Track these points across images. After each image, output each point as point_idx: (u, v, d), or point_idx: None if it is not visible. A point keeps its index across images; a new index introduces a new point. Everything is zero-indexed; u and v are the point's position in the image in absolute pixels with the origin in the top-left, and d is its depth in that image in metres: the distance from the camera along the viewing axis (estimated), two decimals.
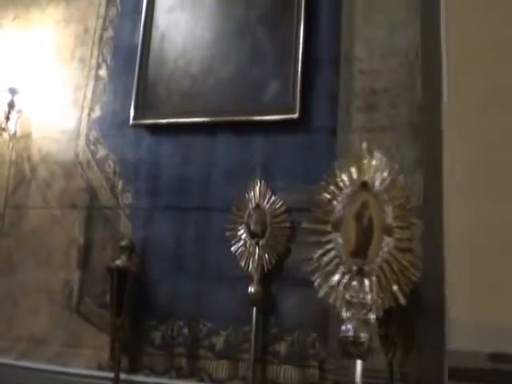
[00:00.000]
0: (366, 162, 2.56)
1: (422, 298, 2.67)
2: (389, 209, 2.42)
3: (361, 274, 2.43)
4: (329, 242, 2.56)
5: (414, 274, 2.39)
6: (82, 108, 4.15)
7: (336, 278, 2.49)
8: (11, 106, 4.17)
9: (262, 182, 3.52)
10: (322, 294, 2.53)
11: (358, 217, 2.49)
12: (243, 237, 3.47)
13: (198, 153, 3.76)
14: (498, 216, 2.39)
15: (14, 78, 4.23)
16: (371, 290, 2.39)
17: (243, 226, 3.48)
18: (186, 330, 3.56)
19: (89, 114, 4.12)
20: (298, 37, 3.56)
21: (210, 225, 3.63)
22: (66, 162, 4.11)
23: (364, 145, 2.60)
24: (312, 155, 3.48)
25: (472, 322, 2.26)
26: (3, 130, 4.24)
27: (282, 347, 3.36)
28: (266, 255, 3.41)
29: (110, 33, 4.21)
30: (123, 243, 3.67)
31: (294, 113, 3.49)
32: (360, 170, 2.57)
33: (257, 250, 3.41)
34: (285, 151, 3.55)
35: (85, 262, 3.91)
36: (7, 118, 4.17)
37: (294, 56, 3.55)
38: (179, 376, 3.52)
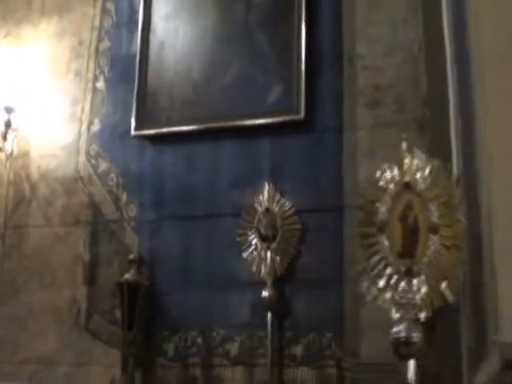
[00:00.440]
0: (406, 161, 2.57)
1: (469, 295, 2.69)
2: (433, 207, 2.44)
3: (409, 274, 2.45)
4: (375, 244, 2.57)
5: (461, 271, 2.41)
6: (81, 122, 4.20)
7: (384, 279, 2.50)
8: (8, 125, 4.20)
9: (271, 185, 3.57)
10: (370, 297, 2.54)
11: (403, 217, 2.50)
12: (254, 241, 3.52)
13: (203, 160, 3.81)
14: None
15: (9, 97, 4.26)
16: (420, 289, 2.41)
17: (253, 230, 3.53)
18: (199, 340, 3.59)
19: (88, 128, 4.17)
20: (300, 37, 3.63)
21: (218, 232, 3.67)
22: (67, 178, 4.15)
23: (404, 144, 2.62)
24: (319, 155, 3.55)
25: None
26: (0, 150, 4.27)
27: (298, 350, 3.39)
28: (278, 258, 3.45)
29: (105, 44, 4.27)
30: (131, 257, 3.70)
31: (300, 114, 3.55)
32: (401, 170, 2.58)
33: (268, 254, 3.46)
34: (291, 153, 3.61)
35: (91, 279, 3.93)
36: (4, 138, 4.20)
37: (296, 57, 3.62)
38: None
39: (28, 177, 4.29)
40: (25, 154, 4.32)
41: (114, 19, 4.29)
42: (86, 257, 3.97)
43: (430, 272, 2.42)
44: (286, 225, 3.49)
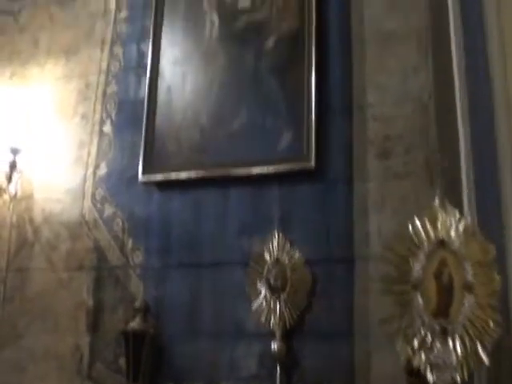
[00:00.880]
0: (440, 217, 2.59)
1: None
2: (468, 265, 2.45)
3: (444, 333, 2.45)
4: (409, 302, 2.57)
5: (496, 331, 2.39)
6: (87, 166, 4.23)
7: (418, 339, 2.49)
8: (13, 166, 4.23)
9: (280, 234, 3.60)
10: (404, 357, 2.53)
11: (437, 275, 2.51)
12: (263, 292, 3.54)
13: (211, 207, 3.83)
14: None
15: (15, 137, 4.28)
16: (455, 350, 2.40)
17: (263, 280, 3.55)
18: None
19: (94, 172, 4.20)
20: (310, 85, 3.68)
21: (226, 280, 3.68)
22: (72, 222, 4.17)
23: (436, 200, 2.64)
24: (329, 205, 3.57)
25: None
26: (3, 191, 4.30)
27: None
28: (288, 310, 3.47)
29: (113, 87, 4.32)
30: (137, 305, 3.70)
31: (310, 162, 3.59)
32: (435, 227, 2.59)
33: (278, 306, 3.48)
34: (301, 201, 3.64)
35: (95, 326, 3.93)
36: (9, 179, 4.23)
37: (306, 105, 3.67)
38: None
39: (31, 220, 4.30)
40: (28, 197, 4.33)
41: (122, 63, 4.34)
42: (90, 303, 3.97)
43: (466, 332, 2.42)
44: (296, 276, 3.51)
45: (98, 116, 4.31)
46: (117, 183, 4.12)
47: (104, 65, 4.39)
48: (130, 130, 4.16)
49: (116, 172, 4.15)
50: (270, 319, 3.48)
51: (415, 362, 2.48)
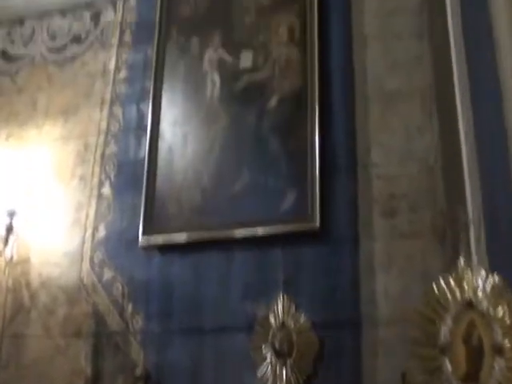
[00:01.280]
0: (466, 277, 2.53)
1: None
2: (497, 327, 2.42)
3: None
4: (438, 367, 2.50)
5: None
6: (85, 228, 4.22)
7: None
8: (9, 229, 4.23)
9: (285, 297, 3.57)
10: None
11: (466, 338, 2.48)
12: (268, 357, 3.49)
13: (213, 270, 3.80)
14: None
15: (11, 200, 4.30)
16: None
17: (268, 345, 3.51)
18: None
19: (92, 234, 4.18)
20: (314, 144, 3.71)
21: (229, 346, 3.63)
22: (69, 286, 4.14)
23: (461, 260, 2.61)
24: (335, 266, 3.55)
25: None
26: None
27: None
28: (294, 375, 3.43)
29: (112, 148, 4.34)
30: (138, 372, 3.66)
31: (315, 222, 3.59)
32: (462, 288, 2.53)
33: (284, 372, 3.43)
34: (306, 263, 3.62)
35: None
36: (5, 243, 4.22)
37: (310, 164, 3.68)
38: None
39: (28, 284, 4.27)
40: (25, 261, 4.32)
41: (121, 124, 4.37)
42: (88, 371, 3.91)
43: None
44: (302, 340, 3.47)
45: (96, 178, 4.32)
46: (116, 246, 4.10)
47: (103, 125, 4.42)
48: (129, 191, 4.16)
49: (115, 234, 4.13)
50: None
51: None
